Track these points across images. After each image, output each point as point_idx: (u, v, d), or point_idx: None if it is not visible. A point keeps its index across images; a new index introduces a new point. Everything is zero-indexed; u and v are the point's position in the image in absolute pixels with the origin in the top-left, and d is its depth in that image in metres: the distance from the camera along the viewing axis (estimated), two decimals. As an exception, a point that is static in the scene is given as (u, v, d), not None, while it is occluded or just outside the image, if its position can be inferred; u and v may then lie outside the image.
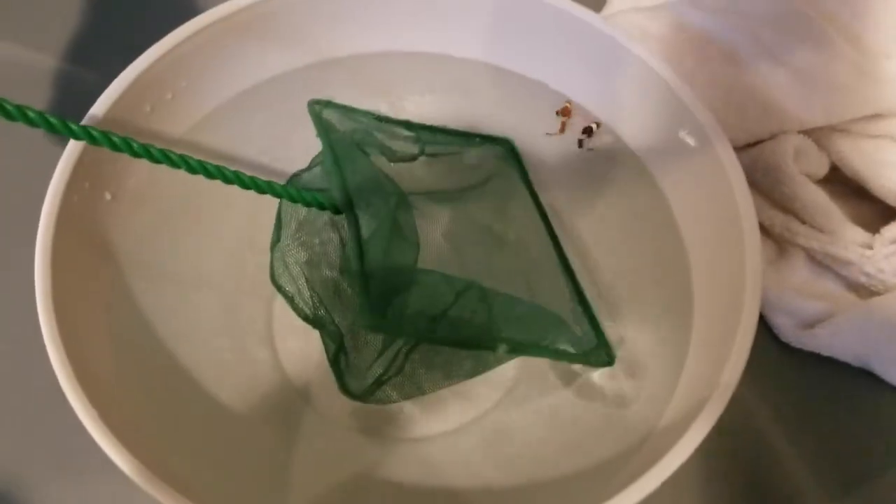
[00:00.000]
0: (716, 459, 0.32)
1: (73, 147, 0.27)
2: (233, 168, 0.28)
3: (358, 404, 0.31)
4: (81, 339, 0.25)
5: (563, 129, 0.33)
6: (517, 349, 0.28)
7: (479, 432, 0.31)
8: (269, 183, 0.28)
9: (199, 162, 0.27)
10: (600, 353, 0.29)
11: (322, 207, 0.29)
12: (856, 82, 0.35)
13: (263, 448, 0.30)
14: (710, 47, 0.36)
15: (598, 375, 0.31)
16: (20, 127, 0.39)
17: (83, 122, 0.27)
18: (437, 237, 0.33)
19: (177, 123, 0.31)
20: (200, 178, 0.32)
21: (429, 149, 0.34)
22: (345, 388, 0.28)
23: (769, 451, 0.33)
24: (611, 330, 0.30)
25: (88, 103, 0.28)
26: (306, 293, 0.30)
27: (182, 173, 0.30)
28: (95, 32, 0.43)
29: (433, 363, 0.29)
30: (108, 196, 0.29)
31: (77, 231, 0.27)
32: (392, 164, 0.33)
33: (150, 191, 0.30)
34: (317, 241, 0.30)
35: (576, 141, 0.33)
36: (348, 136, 0.32)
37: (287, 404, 0.31)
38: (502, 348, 0.27)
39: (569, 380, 0.32)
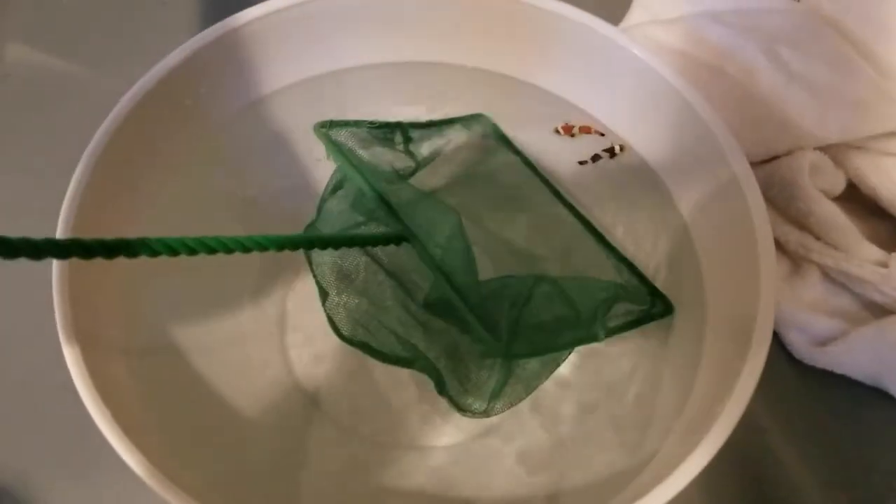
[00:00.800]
0: (726, 475, 0.32)
1: (94, 147, 0.27)
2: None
3: (368, 413, 0.32)
4: (96, 339, 0.25)
5: (593, 160, 0.34)
6: (612, 332, 0.28)
7: (489, 442, 0.31)
8: (308, 237, 0.26)
9: (228, 239, 0.23)
10: (658, 304, 0.30)
11: (387, 242, 0.28)
12: (873, 100, 0.35)
13: (275, 453, 0.30)
14: (728, 62, 0.36)
15: (607, 387, 0.31)
16: (41, 128, 0.40)
17: (98, 137, 0.27)
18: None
19: (195, 128, 0.31)
20: (214, 184, 0.32)
21: (423, 153, 0.34)
22: (463, 409, 0.28)
23: (780, 467, 0.33)
24: (623, 343, 0.30)
25: (108, 107, 0.28)
26: (388, 338, 0.29)
27: (195, 171, 0.30)
28: (116, 37, 0.44)
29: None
30: (126, 202, 0.29)
31: (94, 231, 0.27)
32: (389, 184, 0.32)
33: (167, 197, 0.30)
34: (364, 277, 0.29)
35: (580, 152, 0.34)
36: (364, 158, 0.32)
37: (299, 411, 0.31)
38: (601, 335, 0.28)
39: (577, 391, 0.32)
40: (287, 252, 0.33)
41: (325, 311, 0.29)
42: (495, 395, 0.27)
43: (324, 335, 0.32)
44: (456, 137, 0.35)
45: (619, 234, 0.34)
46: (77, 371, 0.24)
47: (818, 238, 0.35)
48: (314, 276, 0.29)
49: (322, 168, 0.33)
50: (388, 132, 0.33)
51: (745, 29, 0.37)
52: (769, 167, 0.36)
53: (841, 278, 0.35)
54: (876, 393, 0.34)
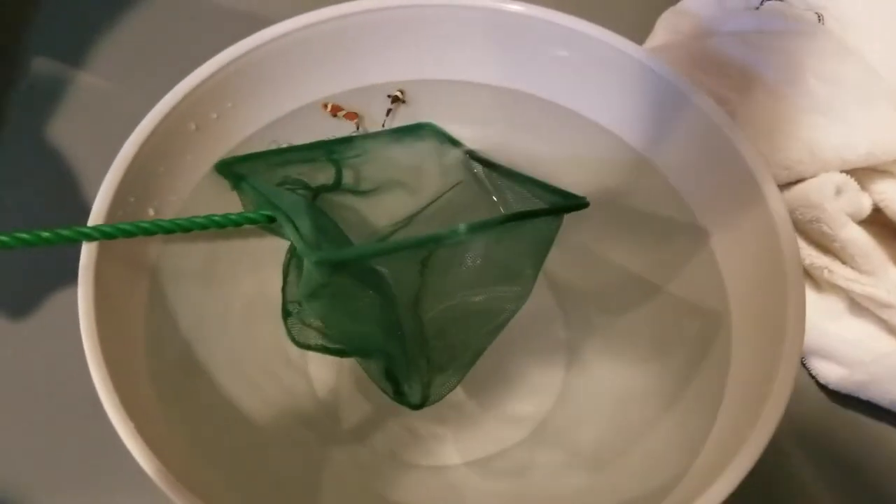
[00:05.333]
0: (749, 501, 0.31)
1: (121, 161, 0.27)
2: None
3: (387, 429, 0.32)
4: (121, 354, 0.25)
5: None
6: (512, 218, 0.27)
7: (506, 464, 0.31)
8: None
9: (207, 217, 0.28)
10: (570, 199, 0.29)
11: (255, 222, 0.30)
12: (897, 124, 0.35)
13: (293, 469, 0.30)
14: (754, 84, 0.36)
15: (632, 413, 0.30)
16: (67, 139, 0.40)
17: (127, 147, 0.28)
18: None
19: (220, 143, 0.31)
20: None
21: (348, 161, 0.33)
22: (405, 402, 0.28)
23: (803, 493, 0.32)
24: (649, 366, 0.30)
25: (136, 119, 0.28)
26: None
27: (225, 187, 0.30)
28: (145, 49, 0.44)
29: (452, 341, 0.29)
30: (151, 212, 0.29)
31: (121, 246, 0.27)
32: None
33: (191, 207, 0.30)
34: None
35: (617, 180, 0.33)
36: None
37: (318, 428, 0.31)
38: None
39: (597, 417, 0.31)
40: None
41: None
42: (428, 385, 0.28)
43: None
44: (390, 149, 0.33)
45: (642, 260, 0.33)
46: (102, 385, 0.24)
47: (844, 262, 0.35)
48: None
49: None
50: (302, 154, 0.32)
51: (770, 51, 0.37)
52: (794, 190, 0.35)
53: (867, 303, 0.35)
54: (902, 420, 0.34)
